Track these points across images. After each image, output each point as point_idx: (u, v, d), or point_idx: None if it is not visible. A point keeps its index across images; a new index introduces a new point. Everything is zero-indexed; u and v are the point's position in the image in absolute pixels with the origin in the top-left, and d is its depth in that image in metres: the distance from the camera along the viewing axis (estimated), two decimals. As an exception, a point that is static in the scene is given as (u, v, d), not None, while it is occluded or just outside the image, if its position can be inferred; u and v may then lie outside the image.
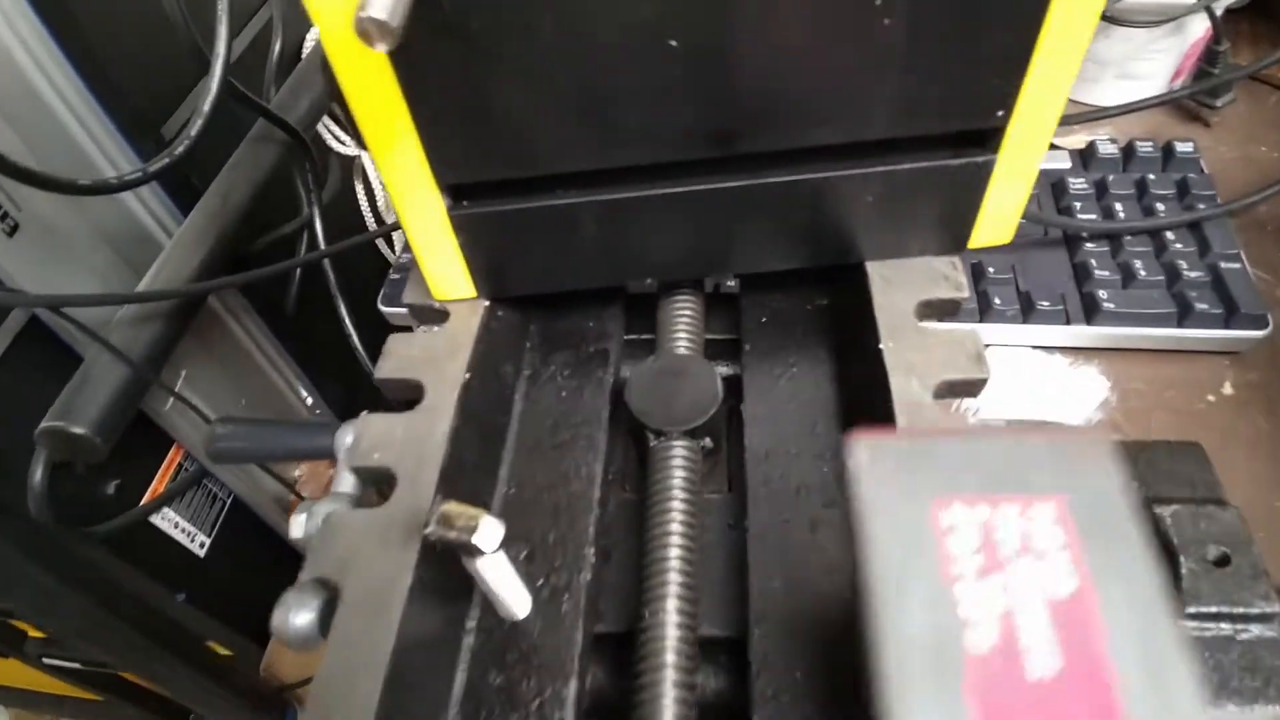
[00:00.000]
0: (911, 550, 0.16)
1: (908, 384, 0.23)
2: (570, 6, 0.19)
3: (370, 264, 0.82)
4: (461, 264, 0.26)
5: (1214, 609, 0.28)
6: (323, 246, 0.63)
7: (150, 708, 0.76)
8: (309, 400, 0.76)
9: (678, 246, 0.26)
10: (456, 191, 0.24)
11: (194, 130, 0.48)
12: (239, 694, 0.62)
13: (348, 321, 0.63)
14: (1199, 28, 0.55)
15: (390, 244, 0.81)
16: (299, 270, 0.69)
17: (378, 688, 0.19)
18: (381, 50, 0.16)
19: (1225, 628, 0.28)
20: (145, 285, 0.53)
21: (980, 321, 0.44)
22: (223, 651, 0.71)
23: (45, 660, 0.73)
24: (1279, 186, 0.46)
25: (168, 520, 0.65)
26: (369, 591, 0.21)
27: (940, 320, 0.26)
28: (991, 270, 0.45)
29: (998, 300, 0.44)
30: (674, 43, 0.20)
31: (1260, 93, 0.60)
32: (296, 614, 0.25)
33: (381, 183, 0.75)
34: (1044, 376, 0.45)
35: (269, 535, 0.77)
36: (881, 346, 0.24)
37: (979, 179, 0.24)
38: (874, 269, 0.27)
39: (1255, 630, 0.28)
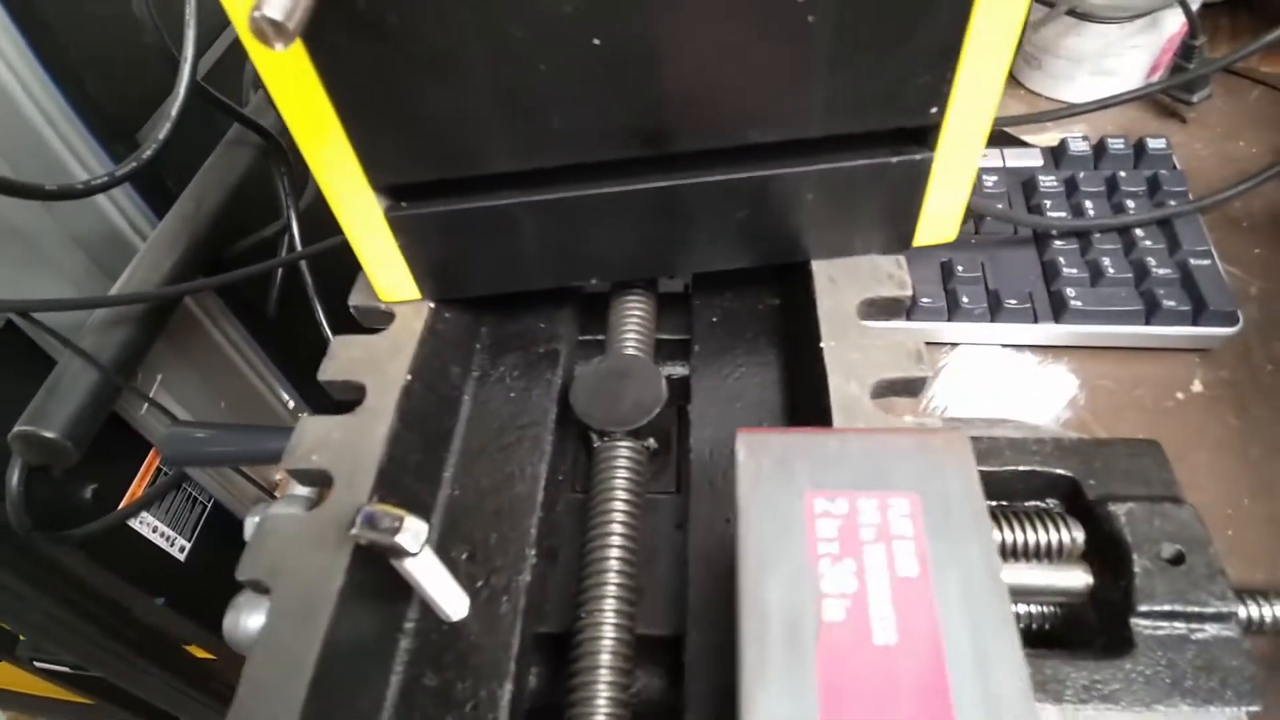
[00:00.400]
0: (782, 532, 0.18)
1: (846, 383, 0.23)
2: (489, 4, 0.19)
3: (351, 266, 0.82)
4: (404, 265, 0.26)
5: (1167, 607, 0.28)
6: (299, 248, 0.63)
7: (140, 711, 0.76)
8: (290, 403, 0.76)
9: (620, 247, 0.26)
10: (393, 192, 0.24)
11: (161, 134, 0.48)
12: (216, 697, 0.62)
13: (325, 324, 0.63)
14: (1174, 23, 0.54)
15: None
16: (279, 273, 0.69)
17: (303, 691, 0.19)
18: (279, 50, 0.16)
19: (1179, 626, 0.28)
20: (118, 289, 0.53)
21: (948, 320, 0.44)
22: (203, 655, 0.71)
23: (36, 663, 0.73)
24: (1251, 182, 0.46)
25: (146, 525, 0.65)
26: (299, 594, 0.21)
27: (885, 319, 0.26)
28: (960, 269, 0.45)
29: (966, 299, 0.44)
30: (596, 40, 0.20)
31: (1240, 87, 0.60)
32: (249, 616, 0.25)
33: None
34: (1013, 375, 0.44)
35: (251, 539, 0.77)
36: (822, 345, 0.24)
37: (918, 176, 0.24)
38: (819, 268, 0.27)
39: (1211, 630, 0.28)
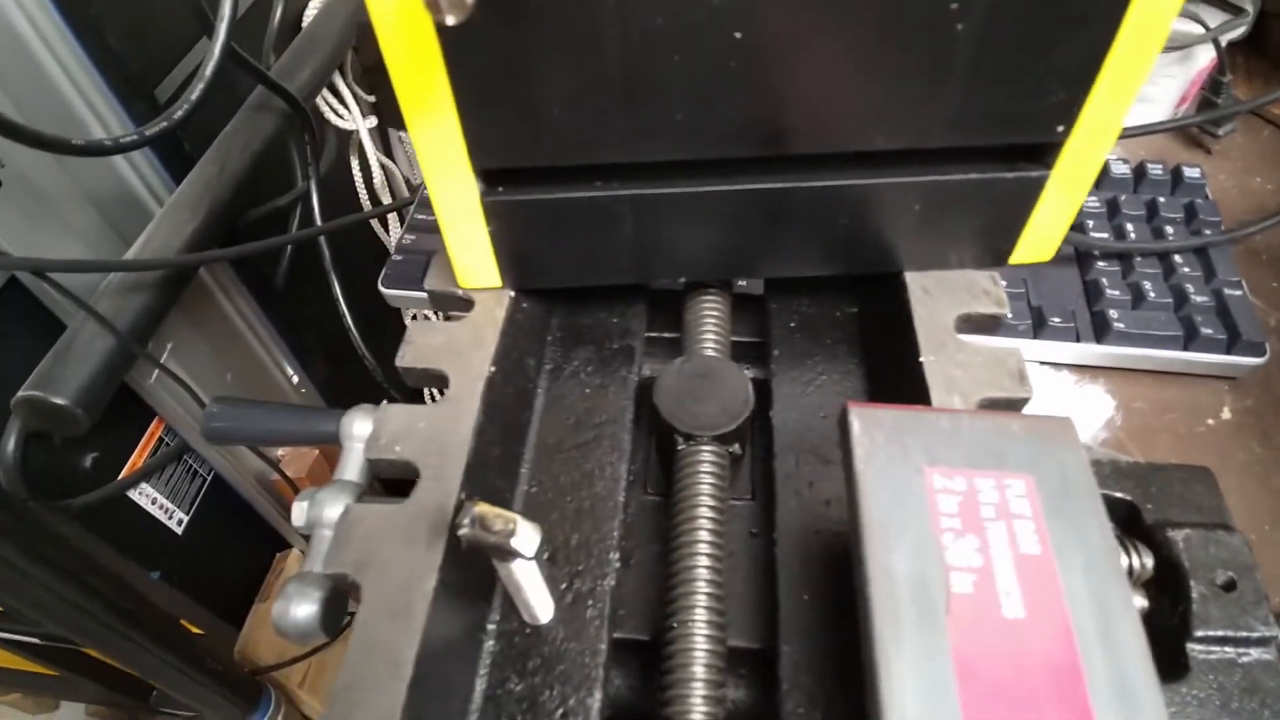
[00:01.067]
0: (904, 505, 0.18)
1: (949, 400, 0.23)
2: (628, -4, 0.18)
3: (362, 243, 0.80)
4: (490, 252, 0.25)
5: (1220, 633, 0.28)
6: (319, 221, 0.61)
7: (109, 683, 0.74)
8: (295, 378, 0.75)
9: (713, 246, 0.25)
10: (491, 176, 0.23)
11: (194, 94, 0.47)
12: (211, 675, 0.61)
13: (342, 301, 0.62)
14: (1204, 57, 0.55)
15: (385, 225, 0.79)
16: (289, 246, 0.67)
17: (403, 692, 0.18)
18: (451, 22, 0.15)
19: (1229, 651, 0.28)
20: (135, 253, 0.51)
21: (992, 334, 0.44)
22: (194, 630, 0.69)
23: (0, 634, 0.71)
24: (1278, 218, 0.47)
25: (145, 496, 0.63)
26: (391, 591, 0.20)
27: (978, 335, 0.26)
28: (1004, 283, 0.45)
29: (1009, 315, 0.44)
30: (738, 34, 0.19)
31: (1255, 126, 0.61)
32: (299, 606, 0.24)
33: (380, 162, 0.73)
34: (1052, 393, 0.45)
35: (249, 514, 0.76)
36: (922, 360, 0.24)
37: (1029, 194, 0.24)
38: (913, 279, 0.26)
39: (1254, 654, 0.28)
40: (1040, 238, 0.25)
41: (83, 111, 0.53)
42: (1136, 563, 0.30)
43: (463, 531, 0.18)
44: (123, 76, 0.56)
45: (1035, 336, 0.44)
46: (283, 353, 0.73)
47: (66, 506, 0.54)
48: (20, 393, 0.43)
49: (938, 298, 0.25)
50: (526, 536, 0.18)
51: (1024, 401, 0.23)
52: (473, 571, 0.21)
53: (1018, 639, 0.17)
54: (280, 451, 0.68)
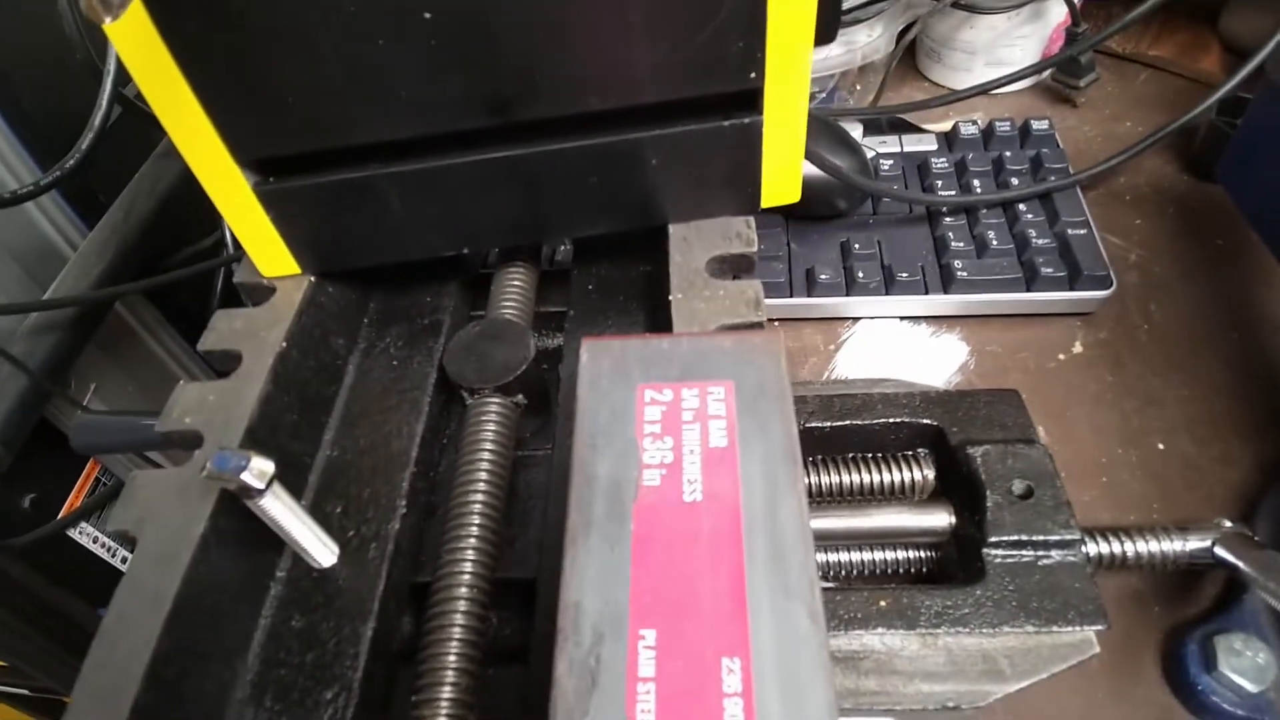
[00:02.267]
0: (614, 419, 0.21)
1: (689, 329, 0.25)
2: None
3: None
4: (278, 240, 0.27)
5: (1015, 537, 0.30)
6: (232, 252, 0.64)
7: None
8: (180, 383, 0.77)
9: (484, 216, 0.28)
10: (260, 167, 0.26)
11: (84, 144, 0.49)
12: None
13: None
14: (1058, 13, 0.58)
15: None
16: (219, 281, 0.69)
17: (159, 625, 0.20)
18: (109, 23, 0.17)
19: (1027, 554, 0.30)
20: (48, 296, 0.53)
21: (847, 295, 0.46)
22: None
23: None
24: (1121, 156, 0.49)
25: (86, 535, 0.65)
26: (164, 539, 0.22)
27: (740, 276, 0.28)
28: (857, 247, 0.48)
29: (862, 274, 0.46)
30: (426, 14, 0.21)
31: (1129, 72, 0.63)
32: None
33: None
34: (909, 346, 0.47)
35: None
36: (670, 299, 0.26)
37: (752, 140, 0.26)
38: (675, 230, 0.28)
39: (1056, 556, 0.30)
40: (779, 179, 0.27)
41: (2, 173, 0.55)
42: (919, 477, 0.31)
43: (202, 472, 0.20)
44: (38, 137, 0.59)
45: (887, 293, 0.46)
46: (220, 388, 0.75)
47: (9, 546, 0.56)
48: (-61, 433, 0.46)
49: (694, 244, 0.28)
50: (257, 471, 0.20)
51: (759, 324, 0.25)
52: (255, 522, 0.23)
53: (693, 519, 0.19)
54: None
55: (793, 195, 0.28)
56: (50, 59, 0.60)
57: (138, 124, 0.54)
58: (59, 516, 0.62)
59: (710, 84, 0.24)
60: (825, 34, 0.25)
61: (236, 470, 0.20)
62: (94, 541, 0.66)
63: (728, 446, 0.20)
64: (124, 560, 0.68)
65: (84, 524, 0.65)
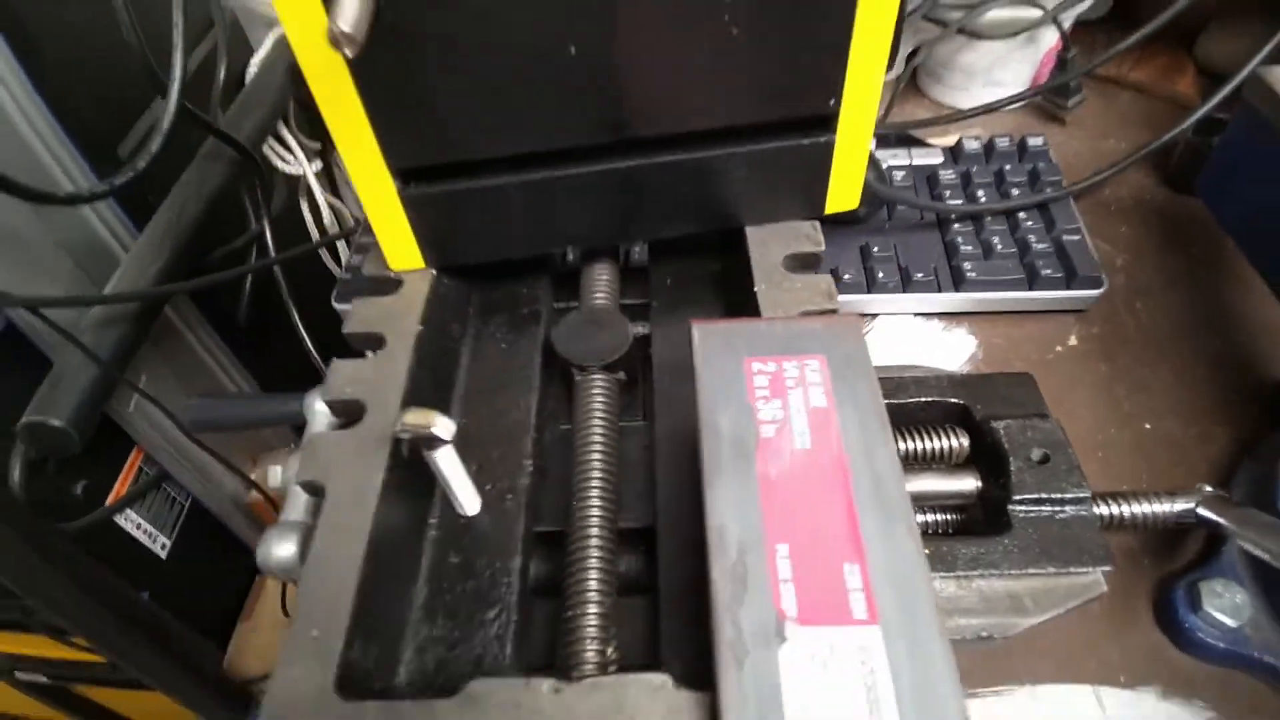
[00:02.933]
0: (729, 385, 0.25)
1: (775, 314, 0.29)
2: (486, 23, 0.25)
3: (317, 279, 0.86)
4: (411, 238, 0.31)
5: (1036, 495, 0.35)
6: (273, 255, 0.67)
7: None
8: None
9: (590, 218, 0.32)
10: (405, 175, 0.30)
11: (154, 146, 0.53)
12: (209, 682, 0.65)
13: (300, 325, 0.67)
14: (1050, 39, 0.64)
15: (335, 256, 0.85)
16: (249, 281, 0.72)
17: (359, 561, 0.24)
18: (348, 55, 0.21)
19: (1046, 510, 0.35)
20: (110, 291, 0.56)
21: (868, 292, 0.52)
22: (186, 649, 0.73)
23: (17, 674, 0.75)
24: (1109, 171, 0.55)
25: (130, 521, 0.68)
26: (349, 488, 0.26)
27: (807, 272, 0.33)
28: (876, 249, 0.53)
29: (881, 274, 0.51)
30: (572, 49, 0.26)
31: (1113, 93, 0.69)
32: (279, 546, 0.30)
33: (328, 202, 0.79)
34: (923, 338, 0.52)
35: (228, 538, 0.80)
36: (756, 289, 0.31)
37: (825, 156, 0.31)
38: (752, 233, 0.33)
39: (1070, 510, 0.35)
40: (843, 189, 0.32)
41: (51, 167, 0.58)
42: (956, 444, 0.36)
43: (396, 428, 0.24)
44: (87, 135, 0.62)
45: (904, 291, 0.51)
46: (248, 382, 0.78)
47: (64, 530, 0.59)
48: (24, 419, 0.49)
49: (770, 244, 0.32)
50: (444, 425, 0.24)
51: (833, 311, 0.30)
52: (414, 474, 0.27)
53: (805, 463, 0.24)
54: (253, 474, 0.73)
55: (852, 202, 0.33)
56: (103, 60, 0.63)
57: (181, 125, 0.57)
58: (107, 503, 0.65)
59: (796, 108, 0.29)
60: (890, 62, 0.30)
61: (427, 425, 0.24)
62: (138, 528, 0.68)
63: (827, 406, 0.25)
64: (163, 547, 0.71)
65: (129, 511, 0.67)
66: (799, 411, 0.25)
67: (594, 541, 0.27)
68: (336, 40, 0.21)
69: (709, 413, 0.25)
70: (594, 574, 0.26)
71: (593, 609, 0.26)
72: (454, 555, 0.27)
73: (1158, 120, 0.65)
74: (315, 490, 0.26)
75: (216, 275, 0.61)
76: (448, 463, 0.26)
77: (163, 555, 0.71)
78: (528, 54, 0.26)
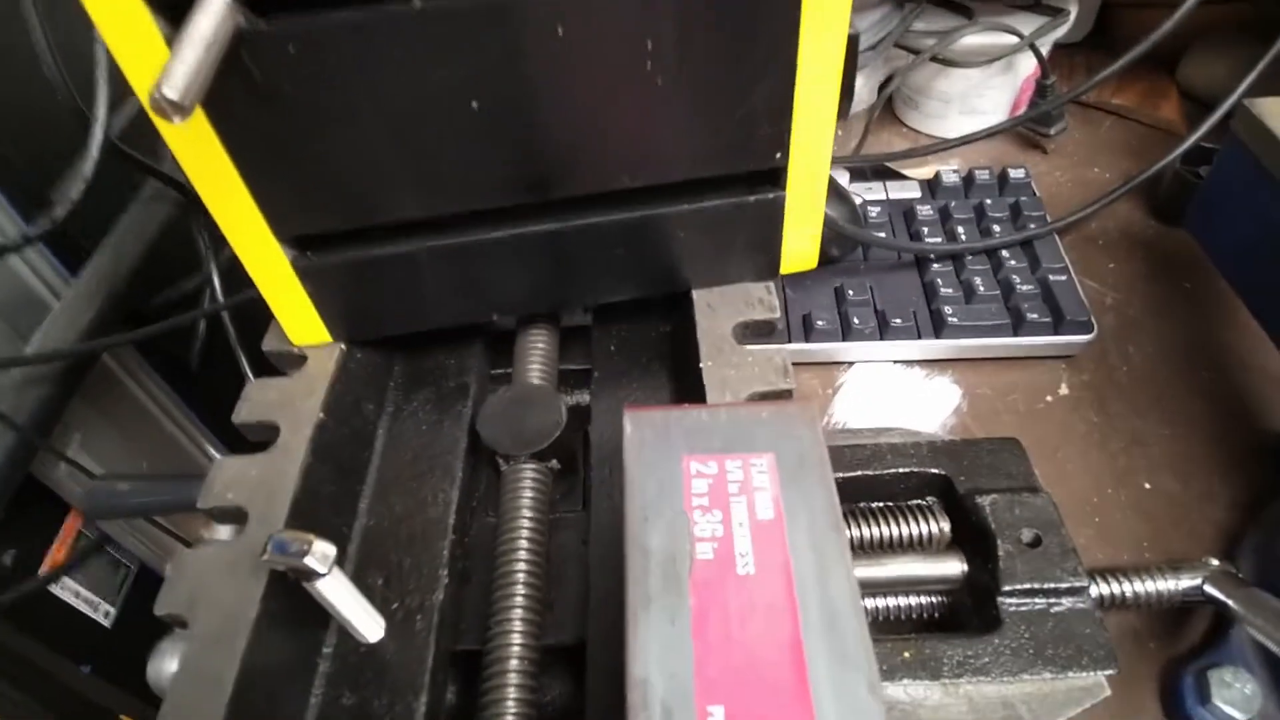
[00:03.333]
0: (663, 491, 0.21)
1: (721, 397, 0.26)
2: (374, 74, 0.21)
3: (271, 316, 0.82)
4: (312, 311, 0.28)
5: (1028, 585, 0.31)
6: (221, 300, 0.63)
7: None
8: (218, 458, 0.76)
9: (515, 285, 0.28)
10: (299, 242, 0.26)
11: (75, 193, 0.49)
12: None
13: (249, 374, 0.63)
14: (1028, 65, 0.61)
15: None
16: (202, 327, 0.69)
17: (221, 711, 0.20)
18: (177, 123, 0.18)
19: (1039, 602, 0.31)
20: (33, 349, 0.52)
21: (843, 340, 0.48)
22: (131, 723, 0.69)
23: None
24: (1097, 204, 0.51)
25: (68, 590, 0.64)
26: (217, 622, 0.22)
27: (761, 341, 0.29)
28: (851, 293, 0.49)
29: (857, 320, 0.48)
30: (474, 104, 0.22)
31: (1095, 119, 0.66)
32: (173, 661, 0.26)
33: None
34: (904, 389, 0.48)
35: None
36: (701, 365, 0.27)
37: (775, 213, 0.27)
38: (699, 296, 0.29)
39: (1067, 603, 0.31)
40: (798, 248, 0.29)
41: (-26, 220, 0.54)
42: (936, 530, 0.33)
43: (263, 557, 0.21)
44: (13, 182, 0.58)
45: (881, 338, 0.48)
46: (203, 435, 0.74)
47: (-13, 605, 0.54)
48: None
49: (719, 310, 0.29)
50: (320, 555, 0.21)
51: (788, 392, 0.26)
52: (301, 600, 0.23)
53: (748, 591, 0.20)
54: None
55: (810, 262, 0.30)
56: (25, 96, 0.59)
57: (118, 167, 0.53)
58: (40, 572, 0.61)
59: (738, 164, 0.26)
60: (841, 111, 0.27)
61: (299, 555, 0.20)
62: (76, 597, 0.64)
63: (774, 519, 0.21)
64: (106, 615, 0.67)
65: (66, 579, 0.63)
66: (742, 526, 0.21)
67: (512, 670, 0.23)
68: (161, 108, 0.17)
69: (637, 526, 0.21)
70: (511, 712, 0.23)
71: (507, 756, 0.22)
72: (348, 695, 0.23)
73: (1142, 147, 0.62)
74: (178, 623, 0.22)
75: (151, 328, 0.58)
76: (333, 592, 0.22)
77: (107, 624, 0.67)
78: (424, 109, 0.22)
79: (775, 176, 0.26)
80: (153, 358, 0.70)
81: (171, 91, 0.17)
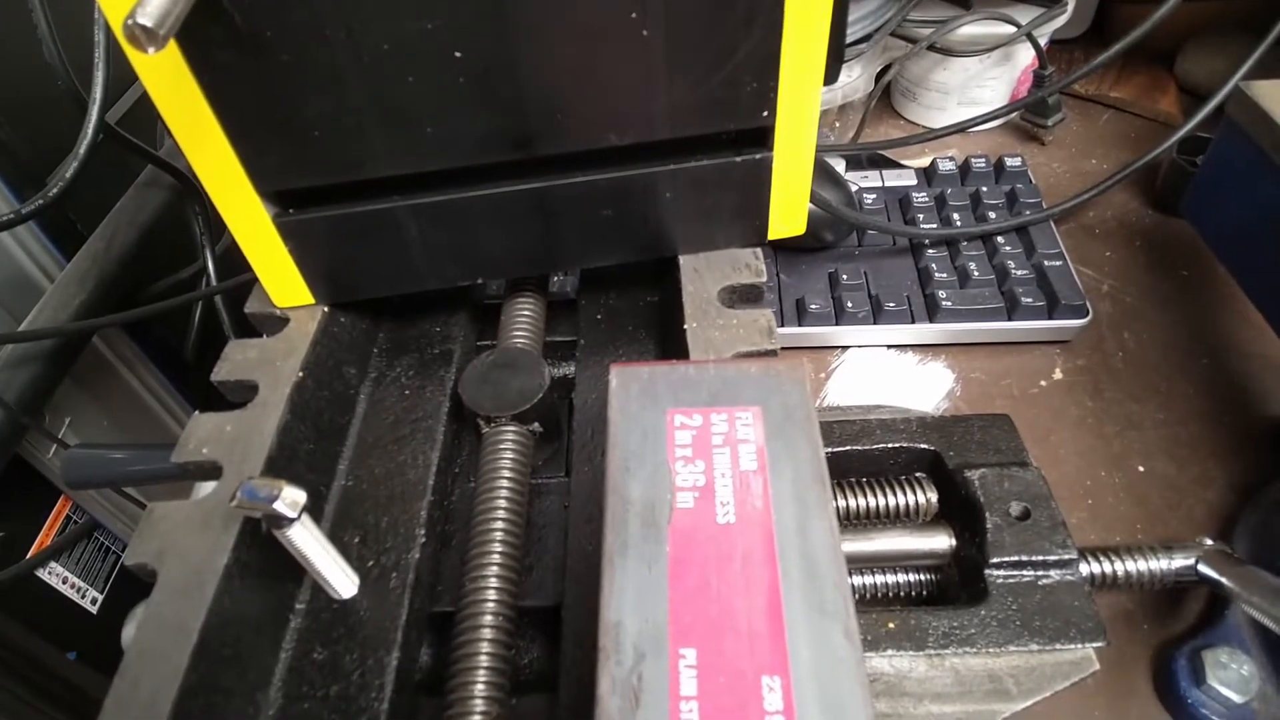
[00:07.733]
0: (645, 442, 0.21)
1: (705, 357, 0.26)
2: (356, 20, 0.21)
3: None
4: (294, 271, 0.28)
5: (1016, 558, 0.31)
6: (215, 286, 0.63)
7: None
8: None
9: (500, 247, 0.28)
10: (280, 198, 0.26)
11: (68, 173, 0.49)
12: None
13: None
14: (1026, 56, 0.61)
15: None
16: (197, 314, 0.69)
17: (185, 659, 0.20)
18: (151, 54, 0.17)
19: (1028, 574, 0.31)
20: (24, 328, 0.52)
21: (836, 324, 0.48)
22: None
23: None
24: (1092, 191, 0.51)
25: (55, 575, 0.63)
26: (186, 572, 0.21)
27: (749, 306, 0.29)
28: (845, 277, 0.49)
29: (850, 304, 0.48)
30: (457, 54, 0.22)
31: (1093, 112, 0.66)
32: None
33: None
34: (897, 373, 0.48)
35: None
36: (686, 327, 0.27)
37: (762, 175, 0.27)
38: (686, 261, 0.29)
39: (1055, 575, 0.31)
40: (786, 211, 0.28)
41: (-31, 201, 0.54)
42: (923, 499, 0.32)
43: (232, 502, 0.20)
44: (13, 166, 0.58)
45: (875, 322, 0.47)
46: (196, 421, 0.73)
47: (-29, 588, 0.54)
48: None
49: (705, 275, 0.28)
50: (289, 500, 0.20)
51: (773, 353, 0.26)
52: (274, 554, 0.23)
53: (727, 539, 0.19)
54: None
55: (798, 228, 0.29)
56: (27, 84, 0.59)
57: (117, 152, 0.53)
58: (28, 556, 0.60)
59: (724, 122, 0.25)
60: (830, 75, 0.27)
61: (268, 500, 0.20)
62: (63, 582, 0.63)
63: (758, 469, 0.21)
64: (94, 601, 0.66)
65: (54, 564, 0.62)
66: (724, 476, 0.21)
67: (485, 630, 0.23)
68: (135, 36, 0.17)
69: (618, 476, 0.21)
70: (483, 671, 0.22)
71: (478, 711, 0.21)
72: (319, 650, 0.23)
73: (1140, 139, 0.62)
74: (147, 574, 0.22)
75: (144, 309, 0.57)
76: (305, 541, 0.22)
77: (93, 610, 0.66)
78: (406, 58, 0.22)
79: (762, 137, 0.26)
80: (148, 347, 0.70)
81: (146, 18, 0.17)
